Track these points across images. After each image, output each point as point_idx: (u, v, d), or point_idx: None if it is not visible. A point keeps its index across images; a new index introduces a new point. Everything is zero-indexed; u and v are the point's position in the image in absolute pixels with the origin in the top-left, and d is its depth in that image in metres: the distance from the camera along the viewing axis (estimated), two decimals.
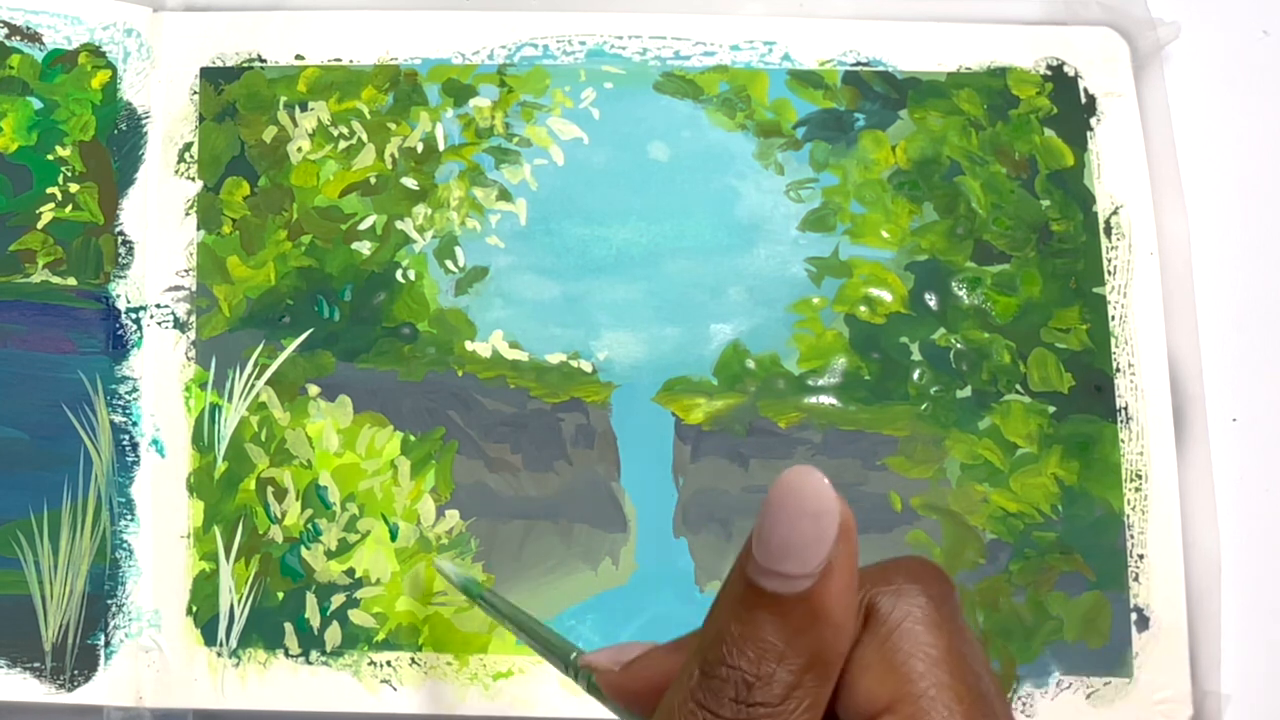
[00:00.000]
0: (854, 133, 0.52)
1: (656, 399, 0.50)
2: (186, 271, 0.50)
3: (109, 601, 0.48)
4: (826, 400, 0.50)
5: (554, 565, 0.49)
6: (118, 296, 0.50)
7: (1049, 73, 0.52)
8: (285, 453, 0.49)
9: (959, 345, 0.50)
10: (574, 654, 0.36)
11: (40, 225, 0.50)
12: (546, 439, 0.49)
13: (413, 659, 0.48)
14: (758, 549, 0.26)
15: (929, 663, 0.27)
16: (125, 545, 0.48)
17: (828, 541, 0.26)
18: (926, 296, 0.50)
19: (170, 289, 0.50)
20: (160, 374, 0.50)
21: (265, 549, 0.48)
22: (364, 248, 0.51)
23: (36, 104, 0.51)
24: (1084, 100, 0.52)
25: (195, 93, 0.52)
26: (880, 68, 0.52)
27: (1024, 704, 0.47)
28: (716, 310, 0.50)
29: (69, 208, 0.50)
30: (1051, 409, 0.49)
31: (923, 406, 0.50)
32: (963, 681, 0.27)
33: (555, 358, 0.50)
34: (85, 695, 0.47)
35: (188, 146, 0.51)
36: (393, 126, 0.52)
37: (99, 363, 0.49)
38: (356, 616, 0.48)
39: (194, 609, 0.48)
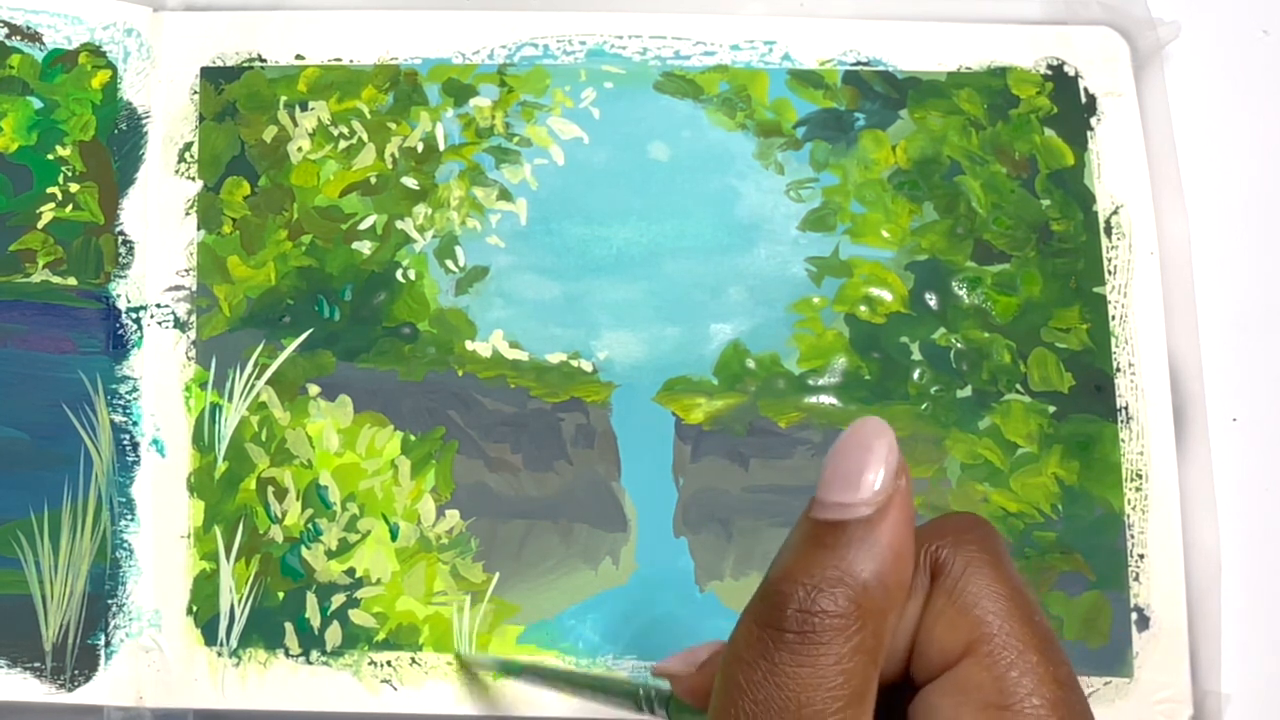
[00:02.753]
0: (854, 132, 0.52)
1: (656, 399, 0.50)
2: (187, 271, 0.50)
3: (109, 601, 0.48)
4: (827, 400, 0.50)
5: (554, 565, 0.49)
6: (118, 296, 0.50)
7: (1049, 72, 0.52)
8: (285, 452, 0.49)
9: (959, 345, 0.50)
10: (639, 687, 0.35)
11: (40, 225, 0.50)
12: (546, 439, 0.49)
13: (413, 659, 0.48)
14: (822, 487, 0.28)
15: (999, 601, 0.28)
16: (125, 545, 0.48)
17: (888, 473, 0.27)
18: (926, 296, 0.50)
19: (170, 289, 0.50)
20: (160, 374, 0.50)
21: (265, 549, 0.49)
22: (364, 247, 0.51)
23: (36, 104, 0.51)
24: (1084, 100, 0.52)
25: (195, 92, 0.52)
26: (880, 67, 0.52)
27: None
28: (716, 310, 0.50)
29: (69, 208, 0.50)
30: (1051, 409, 0.49)
31: (923, 406, 0.50)
32: (1031, 620, 0.28)
33: (555, 357, 0.50)
34: (85, 695, 0.47)
35: (188, 146, 0.51)
36: (393, 126, 0.52)
37: (99, 363, 0.49)
38: (357, 616, 0.48)
39: (194, 609, 0.48)
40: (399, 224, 0.51)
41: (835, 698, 0.26)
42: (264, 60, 0.52)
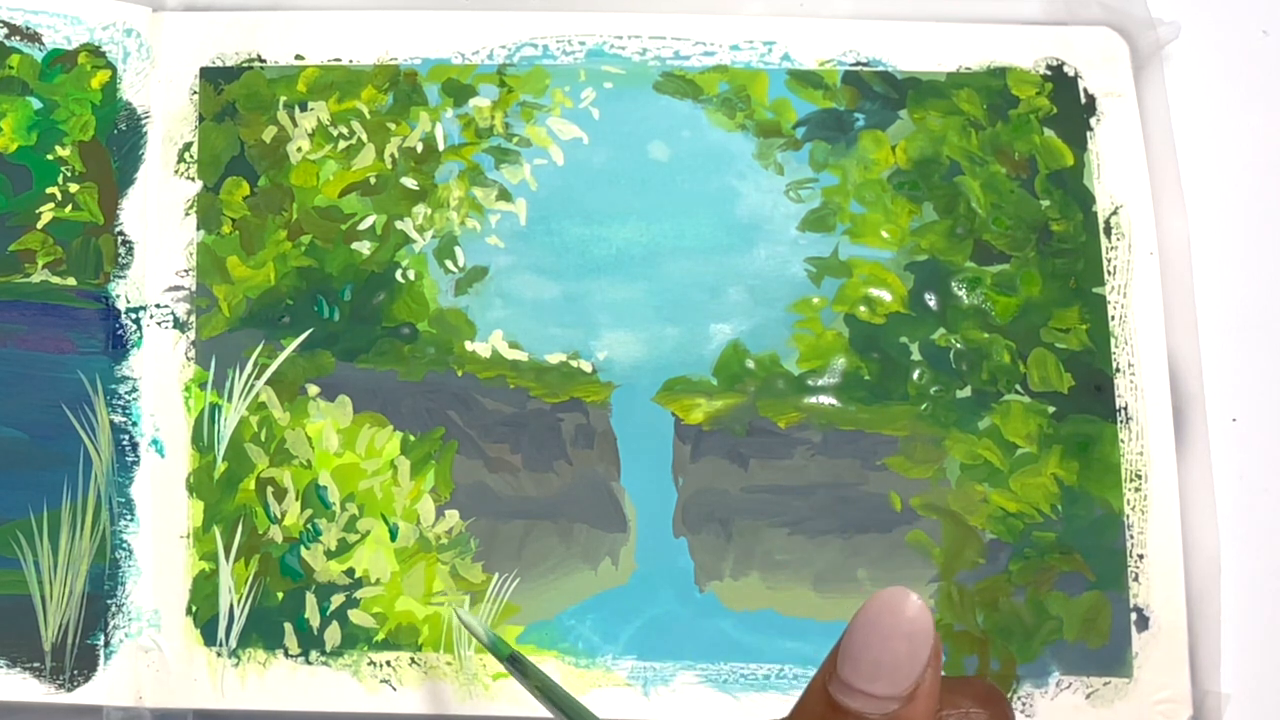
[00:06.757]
0: (854, 133, 0.52)
1: (656, 399, 0.50)
2: (186, 271, 0.50)
3: (109, 601, 0.48)
4: (826, 400, 0.50)
5: (554, 565, 0.49)
6: (118, 296, 0.50)
7: (1049, 73, 0.52)
8: (285, 453, 0.49)
9: (959, 345, 0.50)
10: None
11: (40, 225, 0.50)
12: (546, 439, 0.49)
13: (413, 659, 0.48)
14: (846, 667, 0.26)
15: None
16: (125, 545, 0.48)
17: (920, 663, 0.26)
18: (926, 296, 0.50)
19: (170, 289, 0.50)
20: (160, 374, 0.50)
21: (265, 549, 0.49)
22: (364, 248, 0.51)
23: (36, 104, 0.51)
24: (1084, 100, 0.52)
25: (195, 93, 0.52)
26: (880, 68, 0.52)
27: (1024, 704, 0.47)
28: (716, 310, 0.50)
29: (69, 208, 0.50)
30: (1051, 409, 0.49)
31: (923, 406, 0.50)
32: None
33: (555, 358, 0.50)
34: (85, 695, 0.47)
35: (187, 146, 0.51)
36: (393, 126, 0.52)
37: (99, 363, 0.49)
38: (356, 616, 0.48)
39: (194, 609, 0.48)
40: (399, 224, 0.51)
41: None
42: (264, 60, 0.52)
